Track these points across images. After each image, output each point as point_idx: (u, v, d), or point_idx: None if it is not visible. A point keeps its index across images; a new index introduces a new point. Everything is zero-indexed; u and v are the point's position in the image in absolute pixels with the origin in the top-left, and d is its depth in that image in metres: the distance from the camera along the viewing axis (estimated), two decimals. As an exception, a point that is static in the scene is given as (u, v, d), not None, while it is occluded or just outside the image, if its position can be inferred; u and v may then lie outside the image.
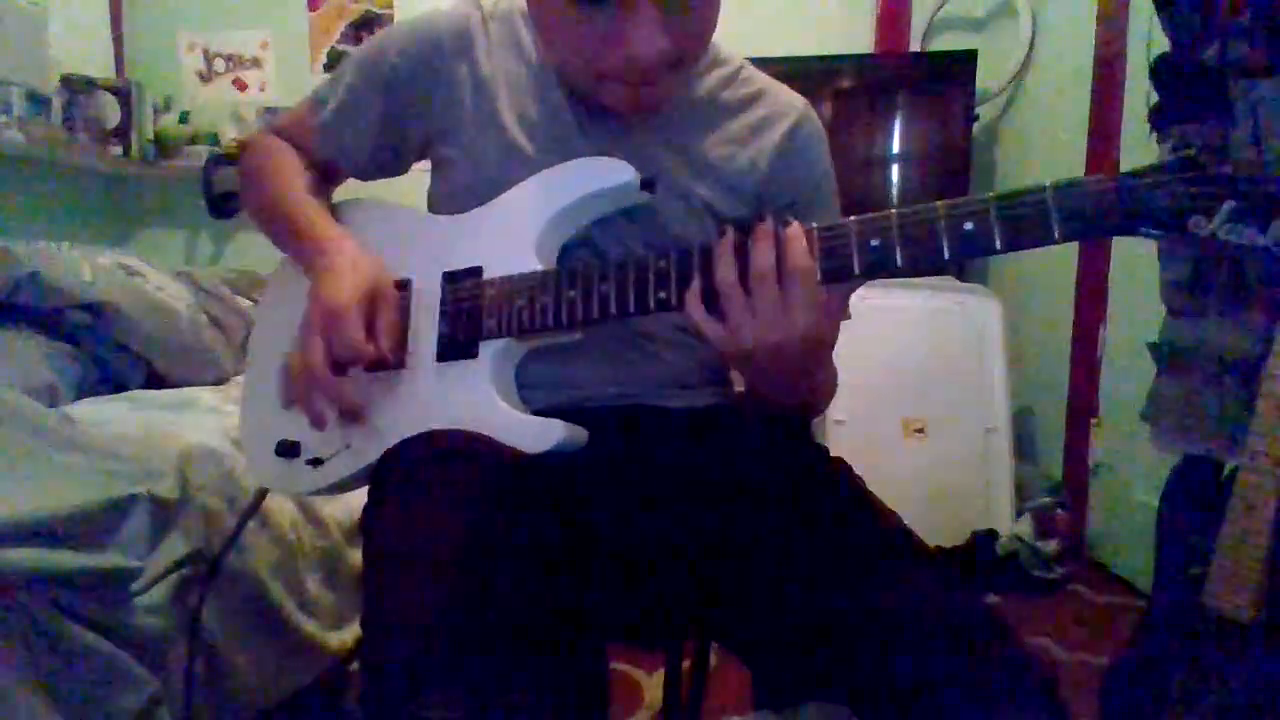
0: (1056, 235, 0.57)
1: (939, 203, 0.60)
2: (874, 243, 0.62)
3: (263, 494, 0.97)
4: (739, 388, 0.94)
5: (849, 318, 0.91)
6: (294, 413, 0.85)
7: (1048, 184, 0.57)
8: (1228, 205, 0.53)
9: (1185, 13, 1.59)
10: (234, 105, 2.93)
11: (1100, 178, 0.56)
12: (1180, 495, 1.11)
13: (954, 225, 0.60)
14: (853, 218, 0.63)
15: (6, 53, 2.33)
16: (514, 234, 0.78)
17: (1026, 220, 0.58)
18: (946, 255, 0.60)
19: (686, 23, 0.71)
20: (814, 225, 0.64)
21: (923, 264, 0.61)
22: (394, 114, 0.87)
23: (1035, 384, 2.44)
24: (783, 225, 0.64)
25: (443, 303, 0.80)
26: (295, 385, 0.77)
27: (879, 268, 0.62)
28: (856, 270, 0.63)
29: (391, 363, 0.78)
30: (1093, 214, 0.56)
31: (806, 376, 0.74)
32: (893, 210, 0.62)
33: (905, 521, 0.73)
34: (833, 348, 0.78)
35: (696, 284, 0.66)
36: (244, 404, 0.94)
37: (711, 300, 0.65)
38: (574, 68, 0.77)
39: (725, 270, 0.64)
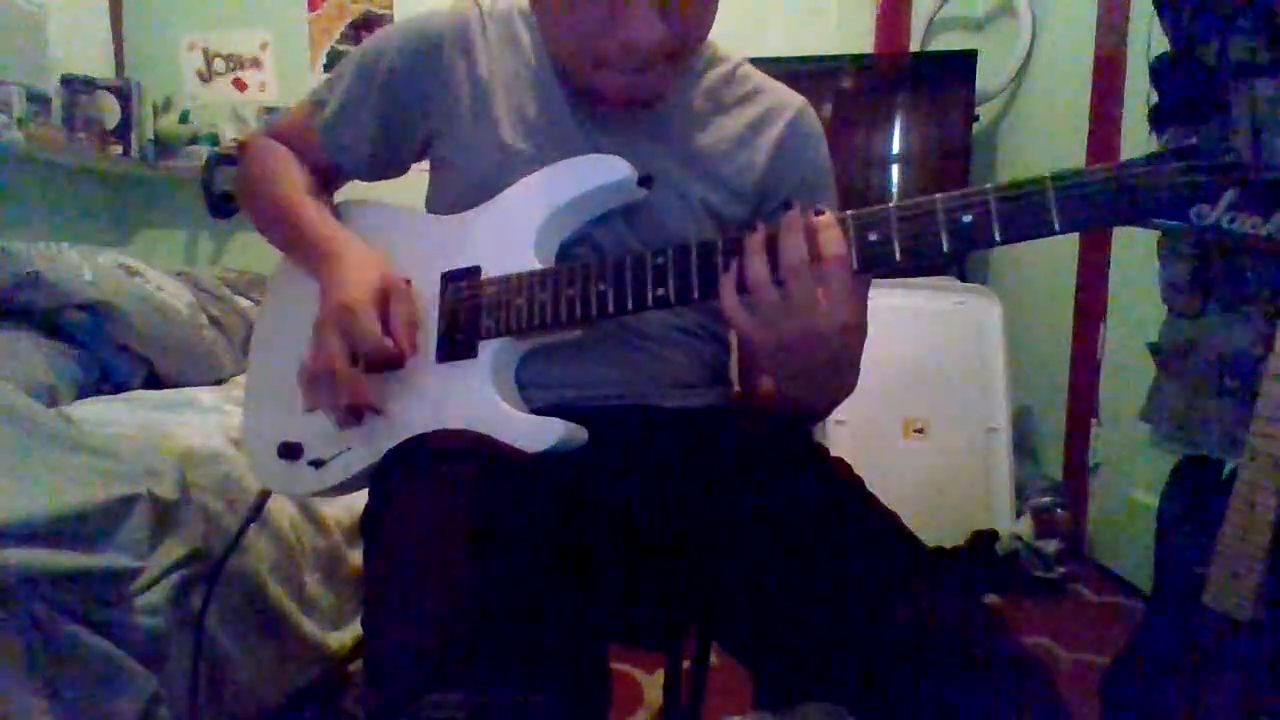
0: (1056, 225, 0.56)
1: (938, 195, 0.60)
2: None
3: (265, 496, 0.97)
4: (738, 388, 0.94)
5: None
6: (296, 414, 0.85)
7: (1048, 174, 0.56)
8: (1230, 193, 0.52)
9: (1185, 13, 1.59)
10: (234, 105, 2.93)
11: (1101, 166, 0.56)
12: (1180, 495, 1.11)
13: (952, 217, 0.59)
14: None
15: (6, 53, 2.33)
16: (512, 233, 0.78)
17: (1026, 210, 0.57)
18: (945, 248, 0.59)
19: (685, 10, 0.71)
20: (848, 213, 0.63)
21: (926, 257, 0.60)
22: (393, 114, 0.87)
23: (1035, 384, 2.44)
24: (815, 214, 0.63)
25: (442, 303, 0.80)
26: (315, 387, 0.77)
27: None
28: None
29: (411, 354, 0.77)
30: (1094, 203, 0.55)
31: (841, 371, 0.72)
32: (890, 204, 0.61)
33: (905, 521, 0.73)
34: (865, 337, 0.75)
35: (732, 276, 0.64)
36: (246, 406, 0.94)
37: (744, 293, 0.64)
38: (572, 54, 0.77)
39: (757, 266, 0.63)
